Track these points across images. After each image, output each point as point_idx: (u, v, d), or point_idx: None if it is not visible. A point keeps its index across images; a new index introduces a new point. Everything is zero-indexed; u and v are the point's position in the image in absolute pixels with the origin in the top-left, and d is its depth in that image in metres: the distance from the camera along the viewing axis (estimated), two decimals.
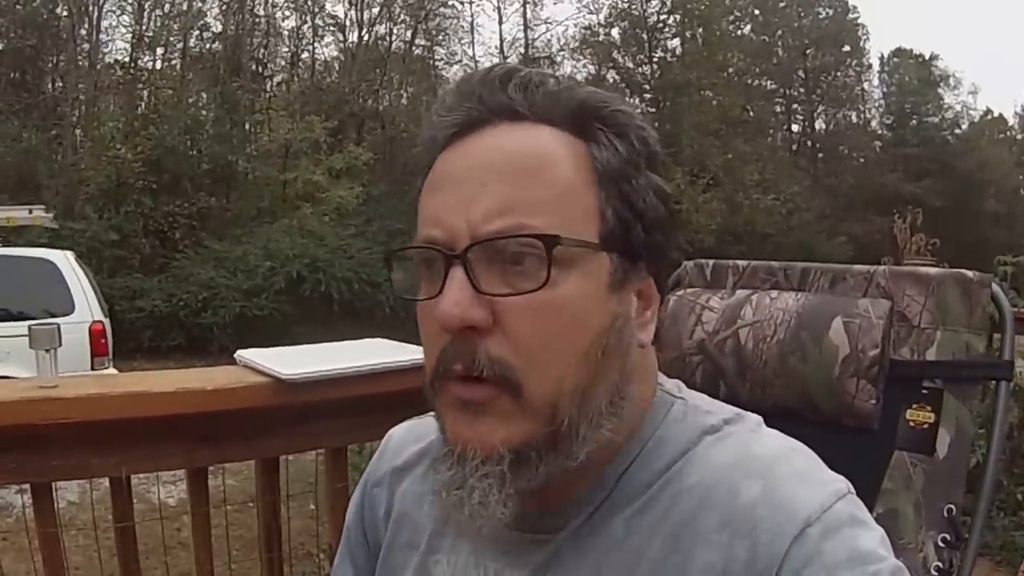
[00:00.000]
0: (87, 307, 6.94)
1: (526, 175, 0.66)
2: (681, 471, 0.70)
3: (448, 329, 0.64)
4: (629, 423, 0.72)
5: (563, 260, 0.64)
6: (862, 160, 28.43)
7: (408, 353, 1.51)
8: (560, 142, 0.68)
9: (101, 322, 7.01)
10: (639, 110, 0.76)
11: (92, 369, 6.64)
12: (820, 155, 28.55)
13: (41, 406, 1.25)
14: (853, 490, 0.68)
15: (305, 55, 23.50)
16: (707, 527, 0.66)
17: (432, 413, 0.73)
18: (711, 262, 1.38)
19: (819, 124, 28.93)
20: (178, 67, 20.89)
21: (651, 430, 0.73)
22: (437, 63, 24.82)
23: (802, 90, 27.97)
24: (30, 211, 8.42)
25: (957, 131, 29.53)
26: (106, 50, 20.26)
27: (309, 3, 22.47)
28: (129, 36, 20.44)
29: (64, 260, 7.20)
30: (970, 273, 1.14)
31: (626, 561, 0.69)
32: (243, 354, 1.51)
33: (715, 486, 0.68)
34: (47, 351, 1.36)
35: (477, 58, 24.79)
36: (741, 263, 1.34)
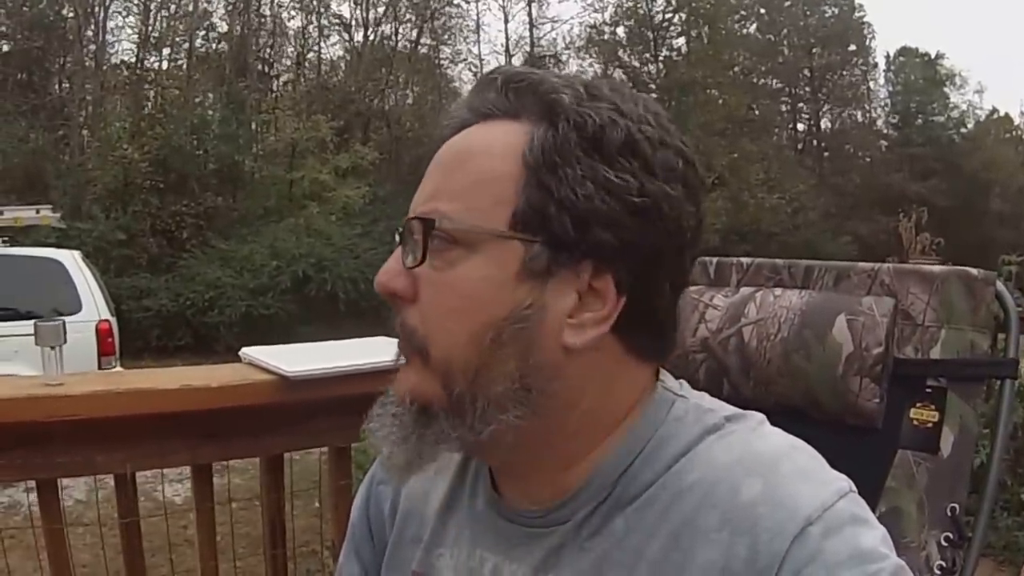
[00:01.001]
0: (94, 306, 6.97)
1: (453, 166, 0.72)
2: (682, 469, 0.70)
3: (380, 294, 0.73)
4: (599, 423, 0.72)
5: (464, 242, 0.68)
6: (868, 159, 28.31)
7: None
8: (507, 134, 0.70)
9: (108, 321, 7.04)
10: (626, 96, 0.72)
11: (99, 368, 6.67)
12: (826, 154, 28.44)
13: (46, 403, 1.26)
14: (855, 488, 0.68)
15: (311, 55, 23.54)
16: (708, 525, 0.66)
17: None
18: (714, 260, 1.38)
19: (825, 123, 28.83)
20: (184, 67, 20.94)
21: (652, 428, 0.73)
22: (442, 62, 24.86)
23: (808, 89, 27.86)
24: (37, 211, 8.45)
25: (963, 130, 29.37)
26: (112, 51, 20.33)
27: (315, 3, 22.50)
28: (135, 37, 20.53)
29: (71, 259, 7.23)
30: (974, 271, 1.13)
31: (626, 559, 0.69)
32: (248, 351, 1.51)
33: (716, 484, 0.68)
34: (52, 348, 1.36)
35: (483, 57, 24.83)
36: (745, 261, 1.34)
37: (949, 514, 1.04)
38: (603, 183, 0.66)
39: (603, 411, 0.72)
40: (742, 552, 0.64)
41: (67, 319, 6.26)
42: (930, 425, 1.09)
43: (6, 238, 7.50)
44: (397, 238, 0.73)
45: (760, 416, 0.76)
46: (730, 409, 0.76)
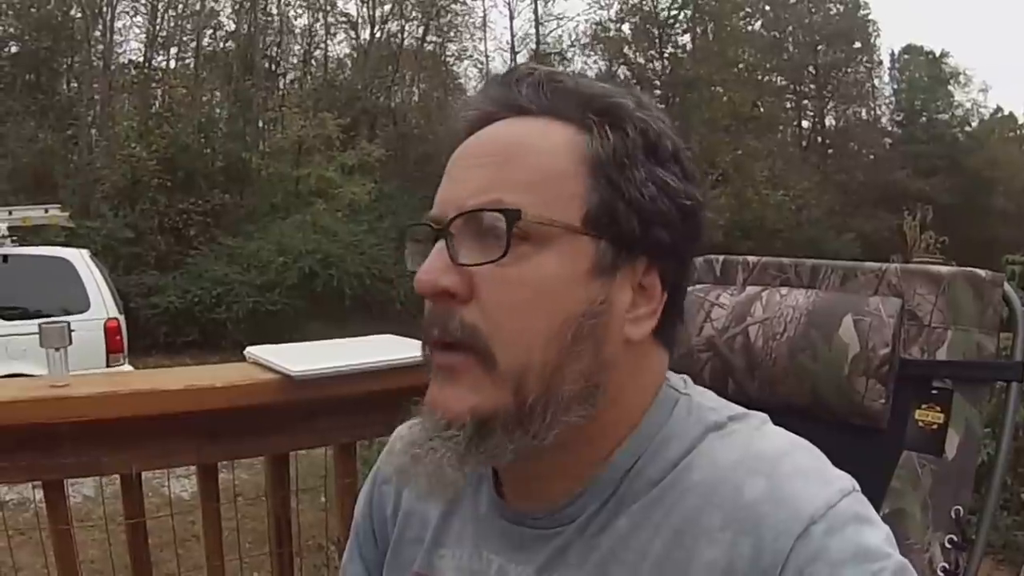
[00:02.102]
0: (102, 304, 7.01)
1: (510, 158, 0.69)
2: (686, 468, 0.70)
3: (423, 293, 0.69)
4: (626, 418, 0.73)
5: (536, 237, 0.67)
6: (872, 157, 28.17)
7: (417, 349, 1.50)
8: (557, 132, 0.71)
9: (116, 319, 7.08)
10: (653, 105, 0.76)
11: (107, 366, 6.71)
12: (830, 151, 28.32)
13: (52, 405, 1.26)
14: (859, 487, 0.68)
15: (318, 53, 23.54)
16: (711, 524, 0.66)
17: None
18: (721, 258, 1.38)
19: (829, 120, 28.72)
20: (192, 66, 20.99)
21: (656, 426, 0.73)
22: (448, 59, 24.82)
23: (812, 86, 27.76)
24: (46, 210, 8.49)
25: (967, 129, 29.25)
26: (120, 51, 20.34)
27: (321, 1, 22.51)
28: (143, 36, 20.57)
29: (79, 258, 7.27)
30: (982, 272, 1.12)
31: (630, 557, 0.69)
32: (252, 351, 1.52)
33: (719, 483, 0.68)
34: (57, 350, 1.37)
35: (488, 54, 24.82)
36: (751, 259, 1.33)
37: (953, 516, 1.04)
38: (661, 185, 0.71)
39: (633, 405, 0.73)
40: (746, 551, 0.64)
41: (75, 317, 6.32)
42: (935, 427, 1.08)
43: (15, 237, 7.53)
44: (439, 236, 0.69)
45: (763, 415, 0.76)
46: (733, 408, 0.76)
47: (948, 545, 1.03)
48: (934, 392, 1.10)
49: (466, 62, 24.78)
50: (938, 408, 1.09)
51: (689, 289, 1.30)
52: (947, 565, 1.02)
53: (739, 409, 0.76)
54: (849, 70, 28.01)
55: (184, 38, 20.96)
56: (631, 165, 0.70)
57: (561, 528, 0.73)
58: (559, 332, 0.67)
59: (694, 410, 0.74)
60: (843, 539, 0.62)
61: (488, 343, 0.67)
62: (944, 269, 1.14)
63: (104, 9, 19.48)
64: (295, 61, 23.31)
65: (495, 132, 0.72)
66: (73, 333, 1.42)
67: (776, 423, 0.75)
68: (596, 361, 0.69)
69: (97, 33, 19.58)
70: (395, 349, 1.54)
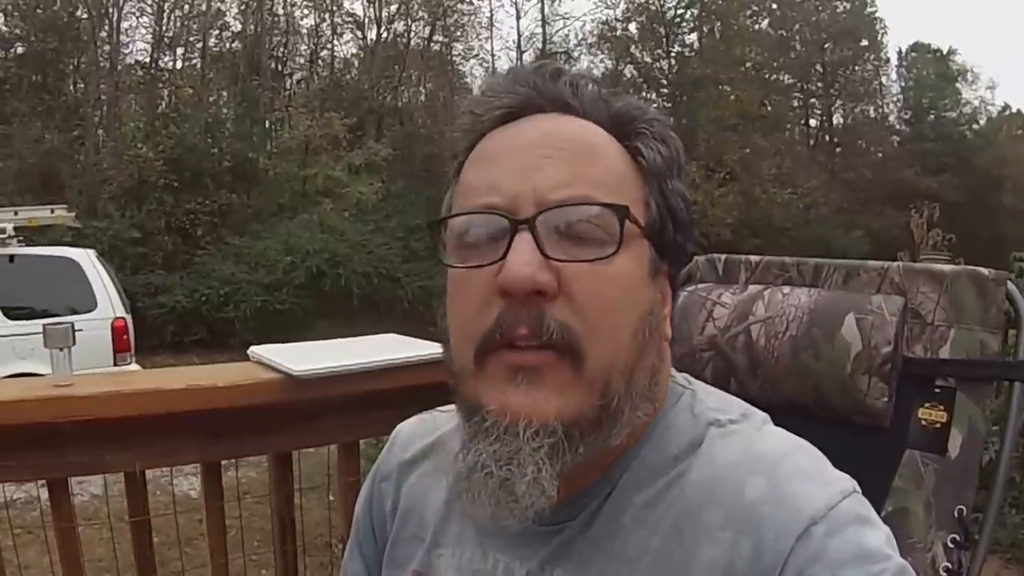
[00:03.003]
0: (109, 304, 7.04)
1: (585, 156, 0.69)
2: (687, 467, 0.70)
3: (516, 291, 0.64)
4: (650, 412, 0.73)
5: (624, 237, 0.67)
6: (880, 155, 28.06)
7: (419, 349, 1.51)
8: (606, 136, 0.72)
9: (123, 318, 7.10)
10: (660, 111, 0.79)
11: (115, 365, 6.74)
12: (838, 150, 28.21)
13: (56, 404, 1.26)
14: (859, 489, 0.68)
15: (324, 53, 23.57)
16: (711, 524, 0.66)
17: (443, 407, 0.73)
18: (723, 257, 1.37)
19: (837, 119, 28.59)
20: (198, 66, 21.04)
21: (659, 418, 0.74)
22: (455, 59, 24.81)
23: (820, 84, 27.66)
24: (52, 210, 8.51)
25: (975, 126, 29.10)
26: (126, 51, 20.38)
27: (327, 1, 22.54)
28: (149, 37, 20.61)
29: (86, 258, 7.29)
30: (985, 271, 1.12)
31: (631, 554, 0.69)
32: (256, 350, 1.52)
33: (720, 483, 0.68)
34: (61, 350, 1.37)
35: (495, 53, 24.80)
36: (754, 258, 1.33)
37: (956, 516, 1.03)
38: (683, 195, 0.75)
39: (654, 399, 0.73)
40: (746, 551, 0.64)
41: (82, 317, 6.33)
42: (938, 426, 1.08)
43: (22, 238, 7.56)
44: (520, 228, 0.65)
45: (764, 415, 0.76)
46: (735, 406, 0.76)
47: (951, 545, 1.03)
48: (937, 391, 1.10)
49: (472, 62, 24.78)
50: (941, 407, 1.09)
51: (691, 288, 1.31)
52: (950, 565, 1.02)
53: (741, 408, 0.76)
54: (856, 68, 27.90)
55: (190, 38, 21.03)
56: (670, 176, 0.74)
57: (564, 524, 0.73)
58: (638, 330, 0.69)
59: (696, 406, 0.75)
60: (843, 540, 0.62)
61: (582, 342, 0.64)
62: (947, 267, 1.14)
63: (110, 10, 19.53)
64: (302, 61, 23.37)
65: (556, 126, 0.71)
66: (80, 333, 1.43)
67: (779, 422, 0.76)
68: (658, 357, 0.72)
69: (103, 33, 19.63)
70: (397, 348, 1.54)
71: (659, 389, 0.73)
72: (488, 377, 0.66)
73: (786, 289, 1.21)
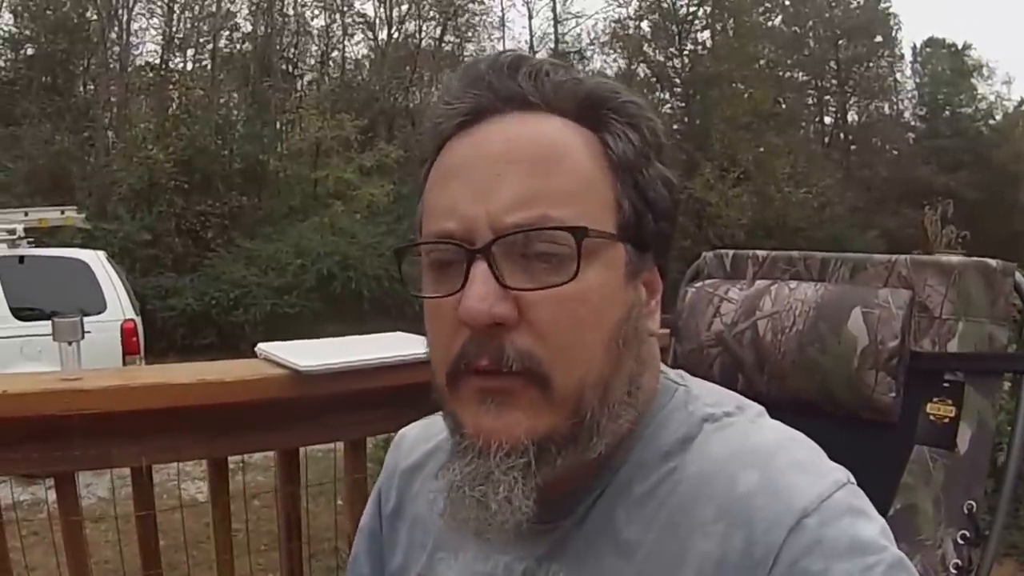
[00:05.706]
0: (119, 306, 7.07)
1: (544, 165, 0.65)
2: (681, 461, 0.70)
3: (473, 325, 0.63)
4: (639, 412, 0.72)
5: (587, 251, 0.64)
6: (895, 152, 27.88)
7: (426, 346, 1.51)
8: (573, 132, 0.68)
9: (133, 320, 7.13)
10: (647, 100, 0.74)
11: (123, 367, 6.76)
12: (853, 147, 28.05)
13: (63, 397, 1.27)
14: (854, 480, 0.67)
15: (335, 54, 23.60)
16: (704, 517, 0.66)
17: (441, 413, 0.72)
18: (731, 252, 1.37)
19: (851, 116, 28.42)
20: (208, 68, 21.10)
21: (652, 417, 0.73)
22: (467, 59, 24.82)
23: (834, 81, 27.50)
24: (62, 212, 8.56)
25: (991, 122, 28.83)
26: (136, 52, 20.47)
27: (338, 2, 22.57)
28: (159, 38, 20.69)
29: (96, 260, 7.33)
30: (993, 262, 1.11)
31: (626, 550, 0.69)
32: (264, 347, 1.53)
33: (713, 476, 0.67)
34: (70, 344, 1.38)
35: None
36: (761, 253, 1.33)
37: (966, 511, 1.02)
38: (665, 181, 0.71)
39: (643, 398, 0.72)
40: (738, 543, 0.63)
41: (92, 319, 6.33)
42: (947, 420, 1.07)
43: (32, 239, 7.61)
44: (476, 258, 0.63)
45: (759, 408, 0.75)
46: (730, 399, 0.76)
47: (961, 541, 1.01)
48: (945, 385, 1.09)
49: None
50: (949, 401, 1.08)
51: (699, 284, 1.30)
52: (960, 562, 1.01)
53: (736, 401, 0.75)
54: (871, 64, 27.73)
55: (201, 39, 21.08)
56: (647, 165, 0.69)
57: (559, 522, 0.73)
58: (610, 343, 0.66)
59: (690, 402, 0.74)
60: (837, 531, 0.61)
61: (545, 367, 0.63)
62: (955, 259, 1.13)
63: (120, 11, 19.64)
64: (312, 62, 23.42)
65: (512, 131, 0.67)
66: (90, 334, 1.43)
67: (786, 419, 0.74)
68: (636, 362, 0.70)
69: (113, 35, 19.73)
70: (404, 345, 1.54)
71: (642, 393, 0.71)
72: (462, 400, 0.67)
73: (793, 284, 1.21)
